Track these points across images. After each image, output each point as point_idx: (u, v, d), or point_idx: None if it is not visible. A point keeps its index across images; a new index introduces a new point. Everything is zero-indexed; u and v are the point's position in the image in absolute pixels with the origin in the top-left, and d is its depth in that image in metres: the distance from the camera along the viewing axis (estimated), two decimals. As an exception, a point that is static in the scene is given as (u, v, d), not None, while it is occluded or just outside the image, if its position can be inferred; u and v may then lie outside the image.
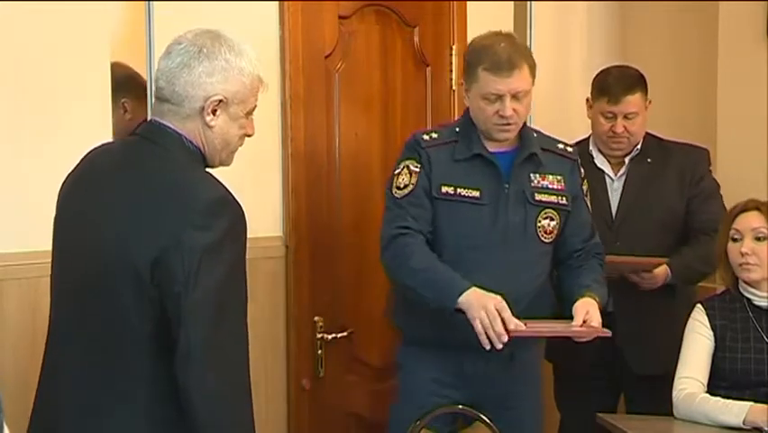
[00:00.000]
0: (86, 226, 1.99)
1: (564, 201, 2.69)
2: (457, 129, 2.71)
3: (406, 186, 2.65)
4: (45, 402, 2.06)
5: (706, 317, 2.73)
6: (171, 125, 2.00)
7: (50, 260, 2.45)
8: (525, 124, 2.69)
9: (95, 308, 1.95)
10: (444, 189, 2.63)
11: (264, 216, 3.05)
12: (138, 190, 1.95)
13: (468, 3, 3.50)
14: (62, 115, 2.56)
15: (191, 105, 1.98)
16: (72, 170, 2.10)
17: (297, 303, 3.08)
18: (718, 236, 2.76)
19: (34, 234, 2.48)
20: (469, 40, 3.42)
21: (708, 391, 2.66)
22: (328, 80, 3.16)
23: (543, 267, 2.68)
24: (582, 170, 2.77)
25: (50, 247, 2.47)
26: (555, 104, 3.79)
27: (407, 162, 2.68)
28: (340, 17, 3.17)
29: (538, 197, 2.65)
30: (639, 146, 3.16)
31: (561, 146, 2.75)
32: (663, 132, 3.28)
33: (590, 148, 3.20)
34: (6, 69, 2.46)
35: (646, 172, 3.15)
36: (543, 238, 2.66)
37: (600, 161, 3.18)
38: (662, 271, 3.03)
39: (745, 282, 2.72)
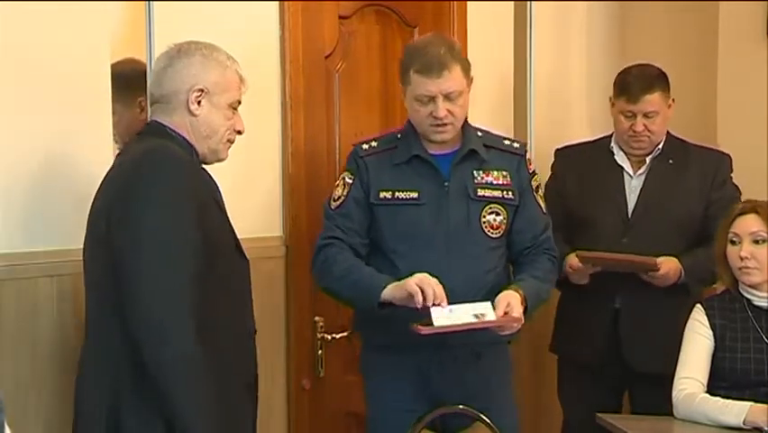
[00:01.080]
0: (91, 216, 2.21)
1: (510, 195, 2.68)
2: (399, 135, 2.73)
3: (339, 197, 2.70)
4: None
5: (705, 317, 2.73)
6: (163, 121, 2.23)
7: (49, 260, 2.49)
8: (466, 123, 2.69)
9: (86, 275, 2.20)
10: (383, 195, 2.66)
11: (264, 216, 3.05)
12: (114, 167, 2.21)
13: (468, 3, 3.49)
14: (62, 116, 2.56)
15: (177, 98, 2.21)
16: None
17: (297, 303, 3.08)
18: (717, 238, 2.76)
19: (33, 234, 2.48)
20: (469, 40, 3.44)
21: (708, 392, 2.66)
22: (328, 80, 3.16)
23: (493, 262, 2.67)
24: (531, 167, 2.75)
25: (49, 247, 2.50)
26: (555, 103, 3.79)
27: (344, 174, 2.73)
28: (340, 17, 3.17)
29: (480, 192, 2.66)
30: (661, 146, 3.17)
31: (507, 142, 2.76)
32: (664, 131, 3.28)
33: (611, 144, 3.22)
34: (6, 69, 2.45)
35: (668, 173, 3.15)
36: (489, 233, 2.65)
37: (621, 158, 3.19)
38: (673, 269, 3.03)
39: (745, 284, 2.72)
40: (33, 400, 2.45)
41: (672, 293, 3.06)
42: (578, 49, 3.89)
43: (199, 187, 2.14)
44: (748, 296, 2.72)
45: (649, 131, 3.11)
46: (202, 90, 2.20)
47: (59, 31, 2.53)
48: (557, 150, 3.34)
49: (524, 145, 2.79)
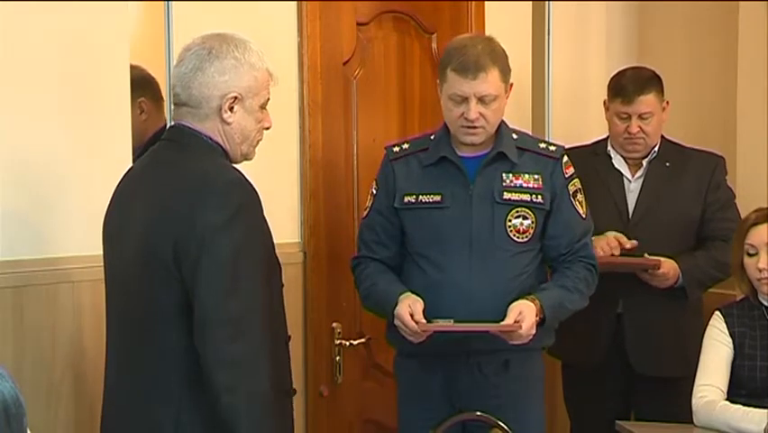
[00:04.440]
0: (123, 223, 2.13)
1: (540, 199, 2.63)
2: (432, 137, 2.71)
3: (366, 208, 2.74)
4: (105, 390, 2.19)
5: (724, 325, 2.72)
6: (192, 126, 2.12)
7: (68, 266, 2.51)
8: (503, 124, 2.66)
9: (131, 294, 2.09)
10: (407, 199, 2.65)
11: (282, 223, 3.04)
12: (162, 183, 2.09)
13: (486, 3, 3.48)
14: (80, 117, 2.57)
15: (208, 105, 2.10)
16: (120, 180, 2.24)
17: (314, 309, 3.09)
18: (732, 248, 2.75)
19: (53, 241, 2.50)
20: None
21: (727, 399, 2.64)
22: (346, 87, 3.17)
23: (521, 267, 2.62)
24: (570, 171, 2.69)
25: (67, 254, 2.52)
26: (573, 103, 3.78)
27: (373, 184, 2.75)
28: (358, 24, 3.18)
29: (507, 195, 2.61)
30: (657, 149, 3.17)
31: (542, 146, 2.71)
32: (682, 134, 3.27)
33: (608, 148, 3.21)
34: (25, 69, 2.46)
35: (664, 176, 3.15)
36: (515, 237, 2.61)
37: (618, 162, 3.19)
38: (672, 269, 3.02)
39: (765, 294, 2.70)
40: (53, 405, 2.47)
41: (675, 297, 3.05)
42: (596, 49, 3.87)
43: (260, 207, 2.10)
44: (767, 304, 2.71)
45: (644, 132, 3.10)
46: (236, 97, 2.10)
47: (78, 30, 2.54)
48: None
49: (561, 148, 2.72)
